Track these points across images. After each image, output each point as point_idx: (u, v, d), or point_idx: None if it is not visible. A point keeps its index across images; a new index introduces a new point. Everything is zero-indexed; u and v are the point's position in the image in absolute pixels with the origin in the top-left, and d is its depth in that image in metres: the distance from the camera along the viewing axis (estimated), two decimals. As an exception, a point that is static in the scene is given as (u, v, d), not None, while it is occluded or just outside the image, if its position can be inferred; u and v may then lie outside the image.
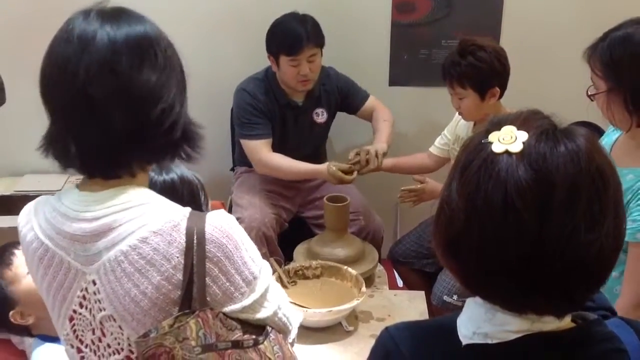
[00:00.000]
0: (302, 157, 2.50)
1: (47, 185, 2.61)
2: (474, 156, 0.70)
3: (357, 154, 2.24)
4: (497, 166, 0.67)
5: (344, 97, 2.52)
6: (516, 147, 0.67)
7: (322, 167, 2.28)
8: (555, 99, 2.73)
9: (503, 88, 2.06)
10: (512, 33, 2.72)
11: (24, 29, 2.70)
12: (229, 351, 0.91)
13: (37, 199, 1.01)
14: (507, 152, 0.68)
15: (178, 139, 0.95)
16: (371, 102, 2.52)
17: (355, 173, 2.23)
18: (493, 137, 0.70)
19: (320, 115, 2.50)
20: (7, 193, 2.67)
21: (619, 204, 0.70)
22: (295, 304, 1.77)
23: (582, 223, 0.66)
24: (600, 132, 2.30)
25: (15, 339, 2.53)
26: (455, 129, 2.29)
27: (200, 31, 2.66)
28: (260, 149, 2.40)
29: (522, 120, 0.71)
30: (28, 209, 1.01)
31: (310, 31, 2.27)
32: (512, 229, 0.66)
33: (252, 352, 0.94)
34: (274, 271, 1.95)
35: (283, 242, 2.27)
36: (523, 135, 0.68)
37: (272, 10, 2.43)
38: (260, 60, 2.47)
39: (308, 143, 2.55)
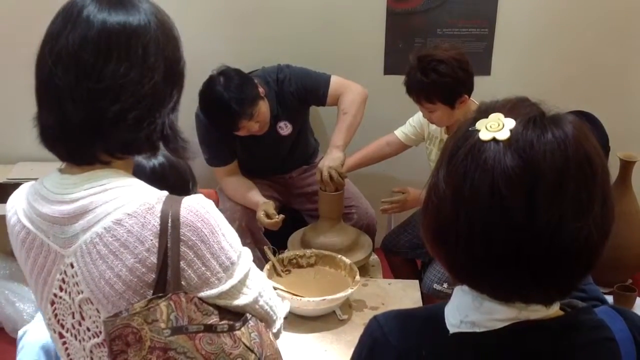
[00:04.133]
0: (284, 166, 2.50)
1: (39, 173, 2.53)
2: (461, 144, 0.70)
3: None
4: (484, 154, 0.67)
5: (303, 97, 2.36)
6: (503, 135, 0.67)
7: (259, 204, 2.23)
8: (551, 87, 2.74)
9: (471, 91, 2.03)
10: (507, 21, 2.72)
11: (14, 19, 2.67)
12: (200, 334, 0.90)
13: (24, 184, 1.01)
14: (494, 139, 0.67)
15: (152, 136, 0.93)
16: (335, 89, 2.33)
17: (280, 216, 2.16)
18: (480, 124, 0.69)
19: (284, 128, 2.37)
20: (0, 181, 2.66)
21: (607, 191, 0.69)
22: (289, 292, 1.77)
23: (570, 210, 0.66)
24: (594, 121, 2.30)
25: (7, 326, 2.55)
26: (428, 127, 2.27)
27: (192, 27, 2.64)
28: (217, 175, 2.41)
29: (509, 108, 0.70)
30: (15, 194, 1.01)
31: (238, 107, 2.09)
32: (499, 217, 0.66)
33: (226, 337, 0.93)
34: (268, 260, 1.95)
35: (275, 231, 2.26)
36: (510, 123, 0.68)
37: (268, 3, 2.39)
38: (251, 58, 2.46)
39: (280, 155, 2.47)
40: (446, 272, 2.27)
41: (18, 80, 2.67)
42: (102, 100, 0.88)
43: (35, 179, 1.01)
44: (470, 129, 0.70)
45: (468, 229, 0.68)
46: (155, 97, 0.92)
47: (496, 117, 0.69)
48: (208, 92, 2.14)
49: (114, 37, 0.88)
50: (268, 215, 2.16)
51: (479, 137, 0.68)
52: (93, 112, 0.88)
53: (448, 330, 0.75)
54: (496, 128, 0.68)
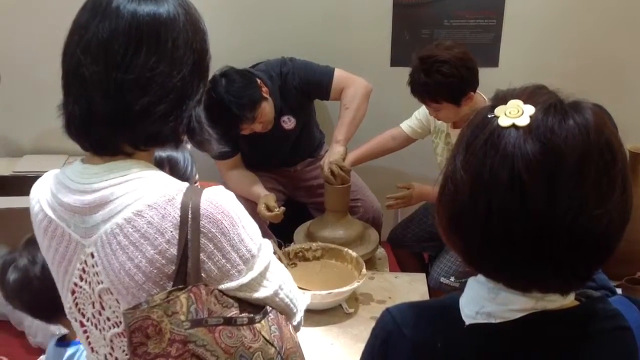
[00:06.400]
0: (289, 159, 2.49)
1: (46, 166, 2.55)
2: (480, 131, 0.69)
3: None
4: (503, 140, 0.66)
5: (307, 91, 2.34)
6: (523, 121, 0.66)
7: (260, 196, 2.23)
8: (559, 79, 2.71)
9: (476, 86, 2.01)
10: (515, 12, 2.69)
11: (18, 16, 2.66)
12: (220, 327, 0.90)
13: (49, 171, 1.01)
14: (514, 125, 0.66)
15: (178, 129, 0.93)
16: (338, 83, 2.32)
17: (281, 209, 2.15)
18: (499, 111, 0.68)
19: (288, 122, 2.35)
20: (6, 174, 2.65)
21: (626, 178, 0.69)
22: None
23: (591, 197, 0.65)
24: (603, 111, 2.28)
25: (14, 320, 2.55)
26: (434, 121, 2.25)
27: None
28: (220, 169, 2.40)
29: (528, 94, 0.70)
30: (39, 182, 1.01)
31: (239, 112, 2.09)
32: (519, 203, 0.65)
33: (246, 330, 0.93)
34: (274, 253, 1.94)
35: (280, 224, 2.26)
36: (530, 109, 0.67)
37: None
38: (256, 50, 2.43)
39: (284, 148, 2.45)
40: (454, 265, 2.25)
41: (24, 75, 2.69)
42: (130, 92, 0.88)
43: (42, 172, 1.01)
44: (488, 115, 0.69)
45: (487, 216, 0.67)
46: (182, 90, 0.92)
47: (515, 104, 0.68)
48: (210, 94, 2.12)
49: (145, 29, 0.88)
50: (269, 208, 2.16)
51: (498, 124, 0.67)
52: (120, 103, 0.88)
53: (463, 322, 0.74)
54: (516, 114, 0.67)
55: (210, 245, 0.89)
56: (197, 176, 1.53)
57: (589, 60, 2.77)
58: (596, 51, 2.75)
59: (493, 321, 0.72)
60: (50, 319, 1.44)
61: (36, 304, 1.37)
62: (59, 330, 1.47)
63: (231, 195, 0.93)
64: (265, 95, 2.18)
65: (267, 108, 2.20)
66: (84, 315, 0.99)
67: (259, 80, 2.20)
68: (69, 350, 1.40)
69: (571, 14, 2.70)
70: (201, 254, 0.89)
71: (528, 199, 0.65)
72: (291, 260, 1.97)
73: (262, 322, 0.96)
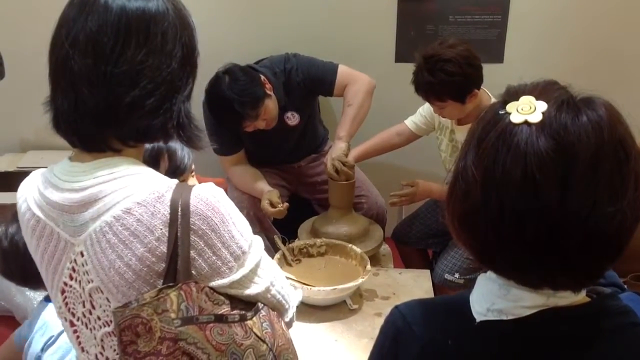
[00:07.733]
0: (292, 155, 2.48)
1: (49, 161, 2.54)
2: (491, 127, 0.68)
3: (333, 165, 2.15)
4: (516, 137, 0.66)
5: (310, 87, 2.33)
6: (536, 118, 0.66)
7: (264, 192, 2.23)
8: (565, 75, 2.69)
9: (480, 83, 2.00)
10: (521, 7, 2.68)
11: (20, 10, 2.66)
12: (211, 325, 0.89)
13: (35, 171, 1.00)
14: (526, 122, 0.66)
15: (167, 124, 0.93)
16: (341, 79, 2.31)
17: (285, 205, 2.14)
18: (511, 107, 0.68)
19: (291, 119, 2.34)
20: (10, 169, 2.66)
21: (639, 175, 0.68)
22: (299, 281, 1.76)
23: (604, 195, 0.64)
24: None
25: (18, 315, 2.55)
26: (438, 117, 2.23)
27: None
28: (223, 164, 2.40)
29: (540, 90, 0.69)
30: (26, 181, 1.00)
31: (242, 110, 2.09)
32: (531, 202, 0.65)
33: (237, 327, 0.92)
34: (278, 249, 1.94)
35: (284, 219, 2.26)
36: (542, 106, 0.66)
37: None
38: (260, 46, 2.42)
39: (287, 144, 2.45)
40: (463, 259, 2.22)
41: (28, 69, 2.69)
42: (119, 85, 0.87)
43: (46, 168, 1.00)
44: (500, 112, 0.69)
45: (498, 214, 0.67)
46: (172, 84, 0.91)
47: (527, 100, 0.67)
48: (214, 91, 2.12)
49: (134, 23, 0.87)
50: (272, 204, 2.16)
51: (510, 120, 0.67)
52: (109, 97, 0.87)
53: (474, 319, 0.74)
54: (528, 111, 0.66)
55: (201, 243, 0.88)
56: (193, 166, 1.54)
57: (595, 56, 2.75)
58: (601, 47, 2.74)
59: (504, 318, 0.72)
60: (32, 287, 1.49)
61: (9, 272, 1.44)
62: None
63: (221, 192, 0.92)
64: (268, 92, 2.18)
65: (271, 105, 2.19)
66: (74, 315, 0.98)
67: (262, 77, 2.19)
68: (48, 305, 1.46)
69: (576, 9, 2.69)
70: (191, 251, 0.88)
71: (541, 197, 0.64)
72: (295, 257, 1.97)
73: (254, 319, 0.95)
